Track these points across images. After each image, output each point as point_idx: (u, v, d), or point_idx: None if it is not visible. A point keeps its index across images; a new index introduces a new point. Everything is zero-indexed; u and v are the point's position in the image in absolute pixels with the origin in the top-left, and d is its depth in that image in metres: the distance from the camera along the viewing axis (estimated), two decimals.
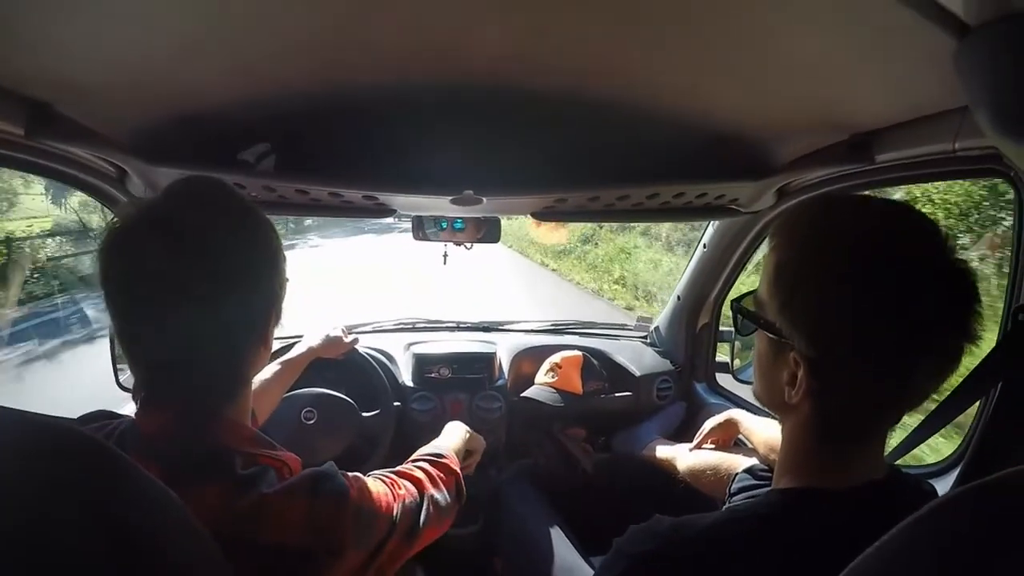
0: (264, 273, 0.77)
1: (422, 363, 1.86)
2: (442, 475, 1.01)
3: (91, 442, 0.50)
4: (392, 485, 0.89)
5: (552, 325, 2.23)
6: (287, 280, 0.83)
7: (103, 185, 1.23)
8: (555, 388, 1.84)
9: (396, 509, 0.85)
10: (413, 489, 0.92)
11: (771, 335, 0.66)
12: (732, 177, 1.28)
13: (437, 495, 0.96)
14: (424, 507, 0.91)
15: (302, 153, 1.14)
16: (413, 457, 1.07)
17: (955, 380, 0.66)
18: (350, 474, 0.82)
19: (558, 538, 1.50)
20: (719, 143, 1.19)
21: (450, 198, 1.23)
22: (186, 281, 0.69)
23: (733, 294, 1.86)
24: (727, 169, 1.26)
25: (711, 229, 1.79)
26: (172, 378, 0.73)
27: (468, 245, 1.59)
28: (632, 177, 1.22)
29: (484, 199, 1.23)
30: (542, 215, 1.41)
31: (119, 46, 0.79)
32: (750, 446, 1.43)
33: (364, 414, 1.63)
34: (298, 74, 0.93)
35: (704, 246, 1.83)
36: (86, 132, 1.00)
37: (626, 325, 2.31)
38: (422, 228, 1.55)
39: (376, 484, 0.86)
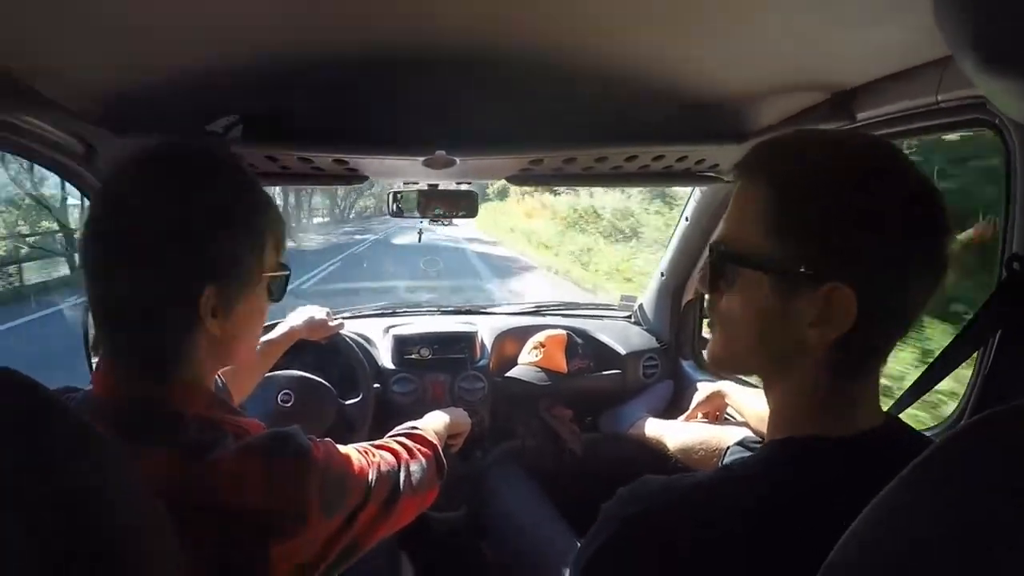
0: (201, 240, 0.70)
1: (402, 344, 1.82)
2: (420, 447, 0.98)
3: (34, 389, 0.47)
4: (365, 453, 0.85)
5: (534, 307, 2.20)
6: (256, 252, 0.76)
7: (69, 162, 1.19)
8: (540, 367, 1.81)
9: (371, 475, 0.82)
10: (390, 458, 0.89)
11: (794, 274, 0.60)
12: (711, 140, 1.26)
13: (414, 466, 0.92)
14: (401, 477, 0.88)
15: (271, 120, 1.10)
16: (389, 434, 1.04)
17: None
18: (317, 438, 0.78)
19: (548, 520, 1.48)
20: (698, 106, 1.16)
21: (422, 159, 1.19)
22: (124, 239, 0.68)
23: None
24: (706, 132, 1.24)
25: (692, 202, 1.76)
26: (121, 337, 0.71)
27: (446, 222, 1.55)
28: (610, 140, 1.20)
29: (457, 159, 1.20)
30: (518, 178, 1.38)
31: (83, 13, 0.76)
32: (740, 419, 1.42)
33: (343, 401, 1.59)
34: (265, 38, 0.89)
35: (686, 219, 1.80)
36: (51, 104, 0.96)
37: (610, 305, 2.28)
38: (399, 204, 1.50)
39: (347, 450, 0.82)
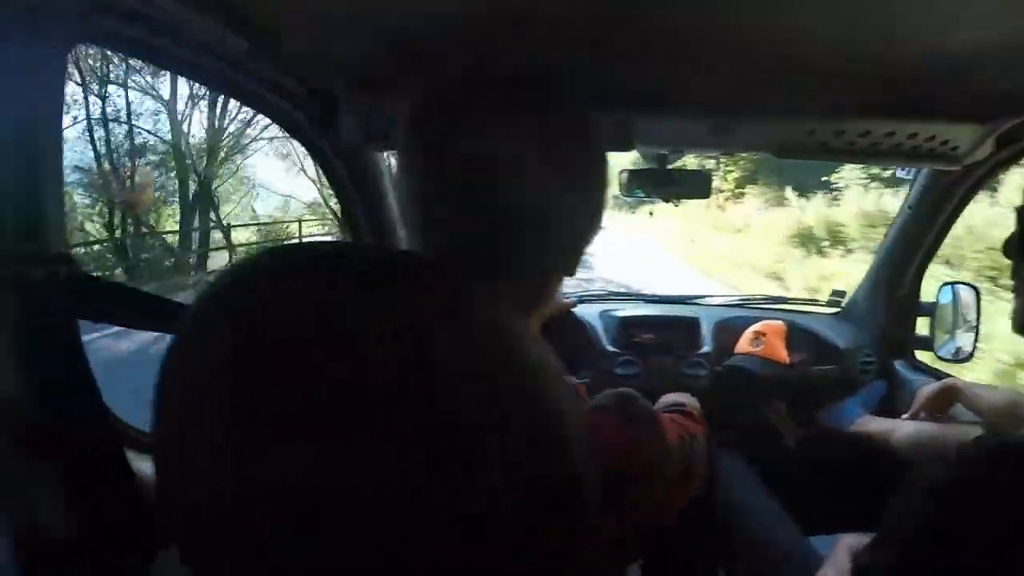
0: (584, 175, 0.68)
1: (627, 326, 1.83)
2: (696, 424, 0.96)
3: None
4: (670, 423, 0.83)
5: (741, 299, 2.20)
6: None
7: (305, 122, 1.22)
8: (761, 356, 1.77)
9: (682, 446, 0.80)
10: (682, 433, 0.86)
11: None
12: (960, 118, 1.21)
13: (695, 444, 0.89)
14: (691, 452, 0.85)
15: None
16: (658, 406, 1.03)
17: None
18: None
19: (777, 513, 1.45)
20: (950, 79, 1.08)
21: (702, 124, 1.20)
22: (507, 168, 0.62)
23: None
24: (956, 109, 1.18)
25: (915, 190, 1.69)
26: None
27: (676, 201, 1.58)
28: (867, 114, 1.17)
29: (736, 127, 1.21)
30: (788, 149, 1.32)
31: None
32: (969, 418, 1.35)
33: (573, 379, 1.62)
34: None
35: (909, 209, 1.73)
36: (305, 59, 0.97)
37: (817, 300, 2.22)
38: (631, 183, 1.52)
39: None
